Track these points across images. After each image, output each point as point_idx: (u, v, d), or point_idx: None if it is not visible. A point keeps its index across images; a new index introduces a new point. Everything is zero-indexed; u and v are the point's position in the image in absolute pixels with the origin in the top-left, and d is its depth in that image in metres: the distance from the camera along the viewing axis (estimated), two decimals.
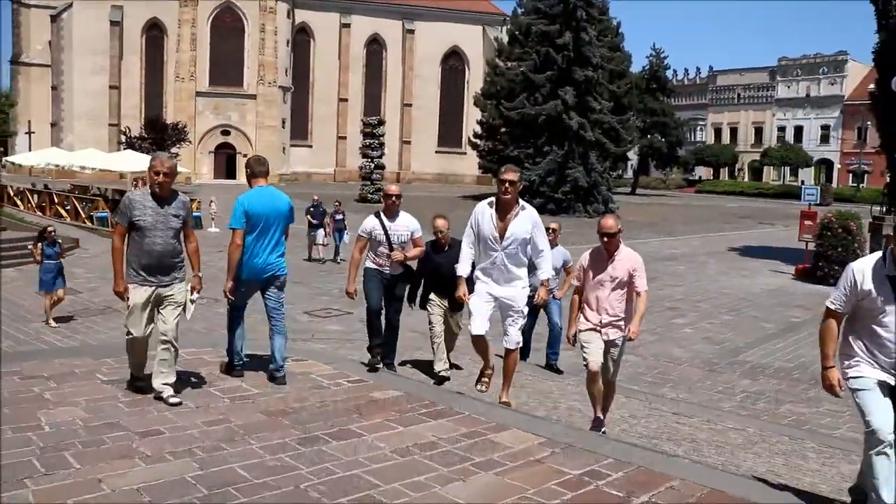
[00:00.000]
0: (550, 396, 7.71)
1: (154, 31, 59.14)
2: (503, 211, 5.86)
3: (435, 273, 7.47)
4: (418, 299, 7.86)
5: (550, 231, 9.06)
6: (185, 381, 5.79)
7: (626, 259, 5.79)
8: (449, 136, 67.03)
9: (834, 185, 65.59)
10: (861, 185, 62.42)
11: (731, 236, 31.52)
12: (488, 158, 47.53)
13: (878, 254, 3.96)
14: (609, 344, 5.85)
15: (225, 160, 58.66)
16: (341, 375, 6.42)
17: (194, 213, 18.24)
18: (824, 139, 73.22)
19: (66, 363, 6.38)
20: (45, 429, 4.69)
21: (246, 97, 59.08)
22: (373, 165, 43.88)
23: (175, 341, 5.40)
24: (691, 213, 43.89)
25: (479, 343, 6.14)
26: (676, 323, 13.39)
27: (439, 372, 7.56)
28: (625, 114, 46.41)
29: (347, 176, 60.30)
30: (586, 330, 5.86)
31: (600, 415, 6.06)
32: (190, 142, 50.92)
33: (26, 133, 56.20)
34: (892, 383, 3.89)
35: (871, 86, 24.64)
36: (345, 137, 63.68)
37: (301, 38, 63.31)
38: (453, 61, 67.64)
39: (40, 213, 29.43)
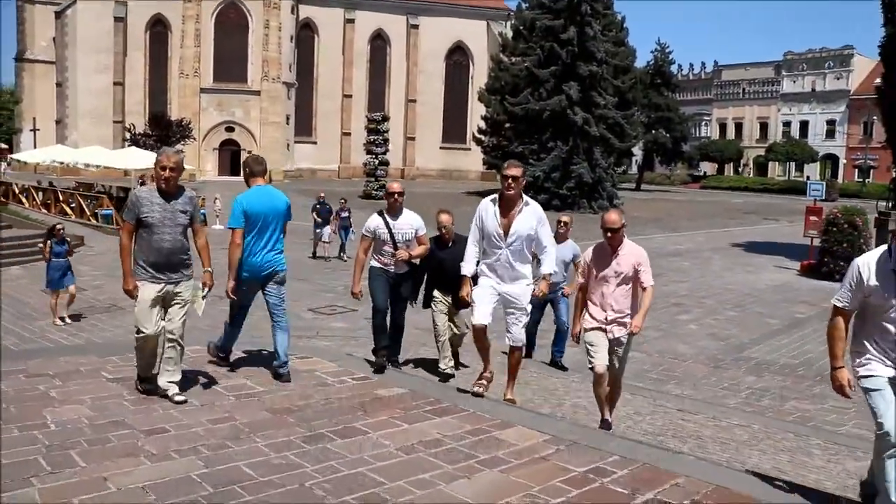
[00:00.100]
0: (555, 393, 7.71)
1: (158, 28, 59.13)
2: (507, 207, 5.76)
3: (438, 269, 7.38)
4: (421, 296, 7.74)
5: (562, 224, 8.98)
6: (191, 379, 5.79)
7: (631, 253, 5.71)
8: (453, 131, 66.91)
9: (839, 180, 65.33)
10: (867, 181, 62.13)
11: (736, 232, 31.44)
12: (493, 154, 47.42)
13: (883, 247, 3.86)
14: (615, 342, 5.77)
15: (229, 157, 58.67)
16: (346, 373, 6.42)
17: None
18: (830, 134, 72.90)
19: (72, 361, 6.40)
20: (51, 427, 4.71)
21: (250, 93, 59.03)
22: (377, 162, 43.86)
23: (181, 339, 5.41)
24: (696, 208, 43.81)
25: (481, 338, 5.97)
26: (681, 319, 13.37)
27: (444, 370, 7.54)
28: (629, 109, 46.33)
29: (352, 172, 60.27)
30: (591, 329, 5.78)
31: (608, 416, 6.01)
32: (194, 138, 50.92)
33: (31, 130, 56.32)
34: None
35: (878, 80, 24.56)
36: (349, 133, 63.66)
37: (305, 33, 63.21)
38: (457, 57, 67.52)
39: (45, 211, 29.46)
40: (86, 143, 46.51)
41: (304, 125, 63.50)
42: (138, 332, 5.30)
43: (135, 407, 5.20)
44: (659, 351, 10.81)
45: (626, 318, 5.74)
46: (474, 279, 6.02)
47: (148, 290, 5.25)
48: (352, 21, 64.09)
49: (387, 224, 6.93)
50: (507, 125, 45.05)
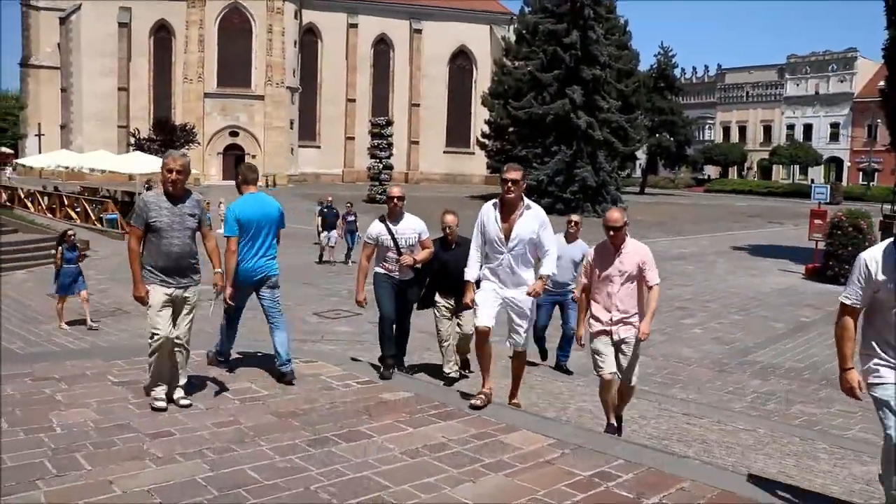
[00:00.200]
0: (560, 397, 7.70)
1: (162, 33, 59.39)
2: (507, 211, 5.64)
3: (441, 271, 7.30)
4: (422, 297, 7.59)
5: (573, 224, 8.91)
6: (196, 383, 5.80)
7: (634, 252, 5.63)
8: (457, 135, 67.00)
9: (844, 183, 65.18)
10: (871, 184, 62.08)
11: (740, 235, 31.40)
12: (496, 158, 47.46)
13: (889, 240, 3.74)
14: (621, 343, 5.66)
15: (234, 161, 58.78)
16: (351, 377, 6.42)
17: None
18: (834, 137, 72.79)
19: (78, 365, 6.41)
20: (57, 430, 4.72)
21: (254, 98, 59.23)
22: (381, 166, 43.89)
23: (187, 344, 5.41)
24: (700, 212, 43.74)
25: (483, 343, 5.78)
26: (686, 323, 13.34)
27: (448, 374, 7.52)
28: (633, 113, 46.38)
29: (356, 176, 60.35)
30: (597, 333, 5.70)
31: (613, 422, 5.95)
32: (199, 143, 51.09)
33: (36, 135, 56.54)
34: None
35: (882, 83, 24.52)
36: (353, 138, 63.77)
37: (308, 38, 63.40)
38: (461, 61, 67.63)
39: (50, 216, 29.55)
40: (91, 147, 46.68)
41: (307, 129, 63.66)
42: (152, 336, 5.20)
43: (140, 410, 5.21)
44: (664, 354, 10.79)
45: (631, 317, 5.64)
46: (477, 284, 5.94)
47: (158, 293, 5.21)
48: (355, 26, 64.27)
49: (389, 230, 6.83)
50: (511, 129, 45.10)
